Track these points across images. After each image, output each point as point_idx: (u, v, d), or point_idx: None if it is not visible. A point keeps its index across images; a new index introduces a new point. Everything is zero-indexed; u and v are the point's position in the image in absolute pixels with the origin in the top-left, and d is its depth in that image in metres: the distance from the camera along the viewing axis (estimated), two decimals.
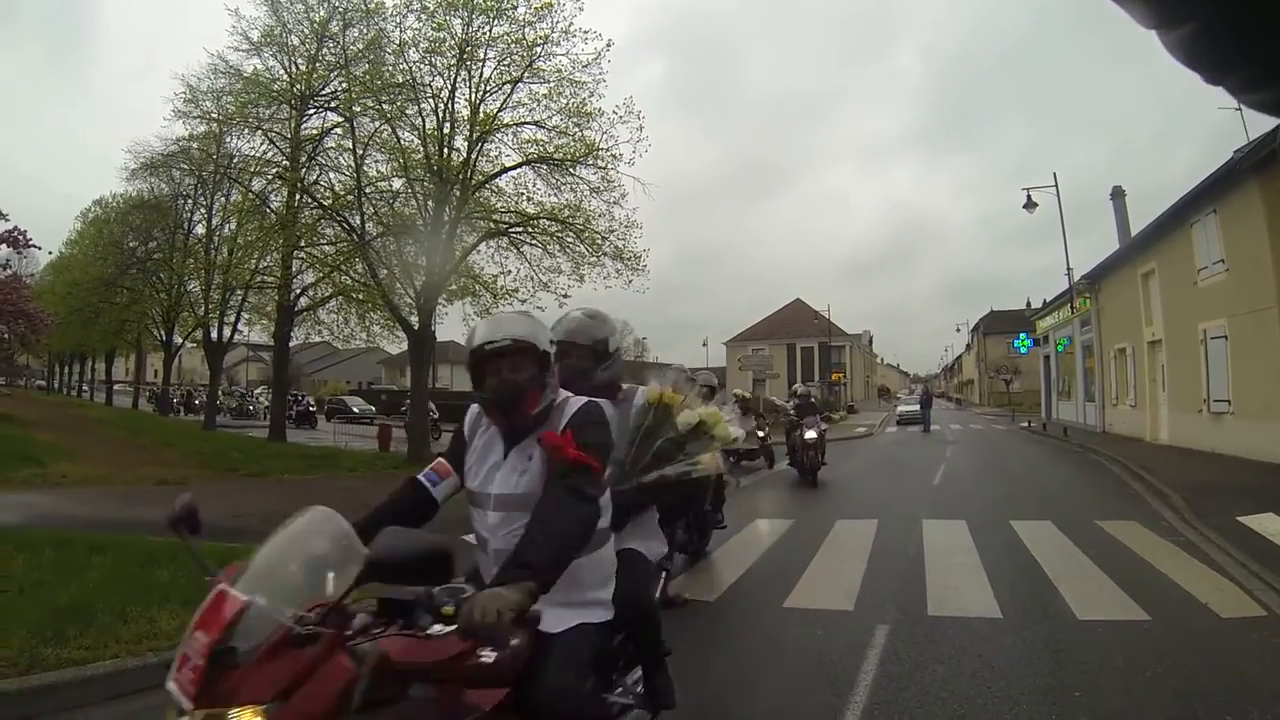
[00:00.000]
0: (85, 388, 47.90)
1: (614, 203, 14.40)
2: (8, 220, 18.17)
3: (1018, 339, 33.64)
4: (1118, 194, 22.16)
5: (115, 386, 41.87)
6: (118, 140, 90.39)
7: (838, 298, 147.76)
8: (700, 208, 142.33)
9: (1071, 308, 23.87)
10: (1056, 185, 21.85)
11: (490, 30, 13.74)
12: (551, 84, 13.92)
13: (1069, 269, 22.83)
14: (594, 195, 14.38)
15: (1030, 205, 21.62)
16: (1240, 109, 16.39)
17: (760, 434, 13.65)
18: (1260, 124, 13.68)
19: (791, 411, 13.08)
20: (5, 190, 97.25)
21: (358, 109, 14.12)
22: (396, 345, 21.94)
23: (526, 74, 13.92)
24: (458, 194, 14.06)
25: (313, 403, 33.39)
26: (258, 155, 16.54)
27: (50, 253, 27.19)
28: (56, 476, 9.75)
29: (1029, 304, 43.20)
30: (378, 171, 14.75)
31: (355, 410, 31.98)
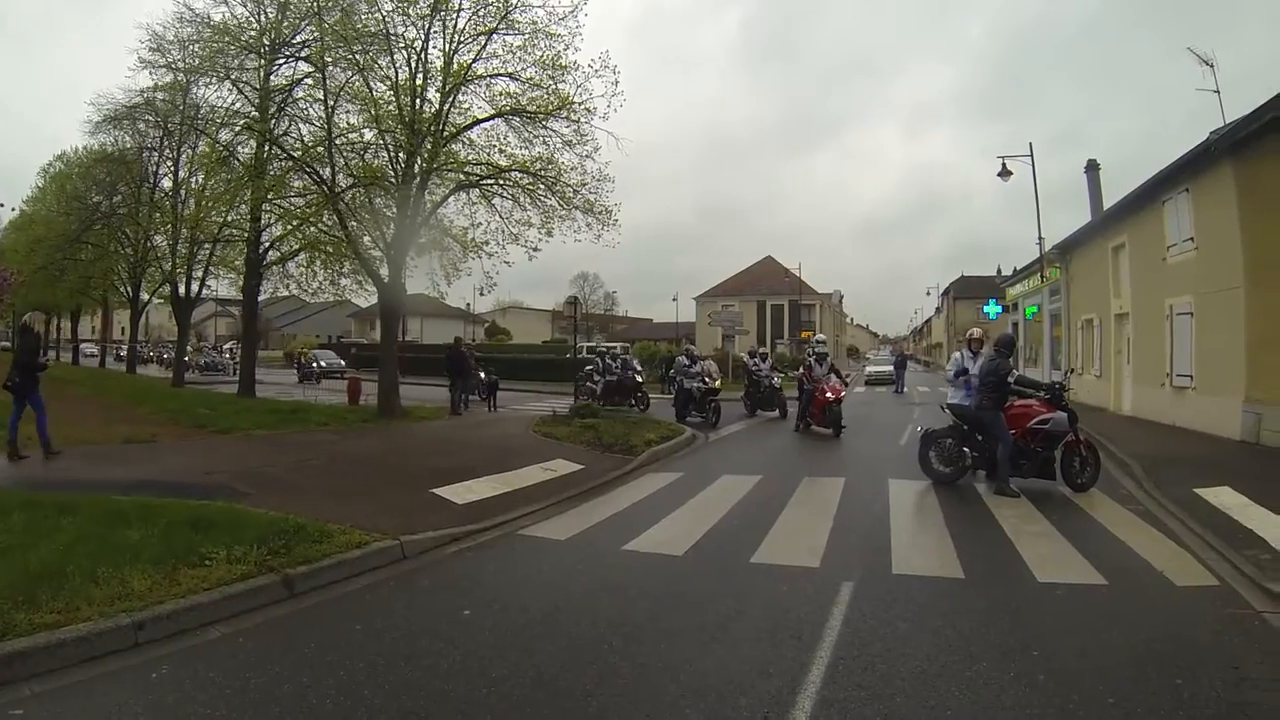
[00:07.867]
0: (52, 347, 46.65)
1: (586, 156, 14.23)
2: None
3: (987, 305, 34.05)
4: (1092, 166, 22.33)
5: (82, 345, 40.92)
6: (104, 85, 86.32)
7: (846, 256, 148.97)
8: (740, 160, 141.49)
9: (1041, 276, 24.16)
10: (1032, 155, 21.84)
11: None
12: (526, 36, 13.61)
13: (1040, 238, 23.15)
14: (566, 148, 14.20)
15: (1005, 174, 21.68)
16: (1219, 91, 16.63)
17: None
18: (1237, 108, 13.79)
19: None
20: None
21: (329, 59, 13.62)
22: (366, 299, 21.69)
23: (501, 25, 13.57)
24: (429, 146, 13.76)
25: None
26: (225, 106, 16.02)
27: (13, 210, 26.32)
28: (22, 438, 9.51)
29: (999, 270, 43.63)
30: (348, 123, 14.34)
31: (323, 364, 31.68)
